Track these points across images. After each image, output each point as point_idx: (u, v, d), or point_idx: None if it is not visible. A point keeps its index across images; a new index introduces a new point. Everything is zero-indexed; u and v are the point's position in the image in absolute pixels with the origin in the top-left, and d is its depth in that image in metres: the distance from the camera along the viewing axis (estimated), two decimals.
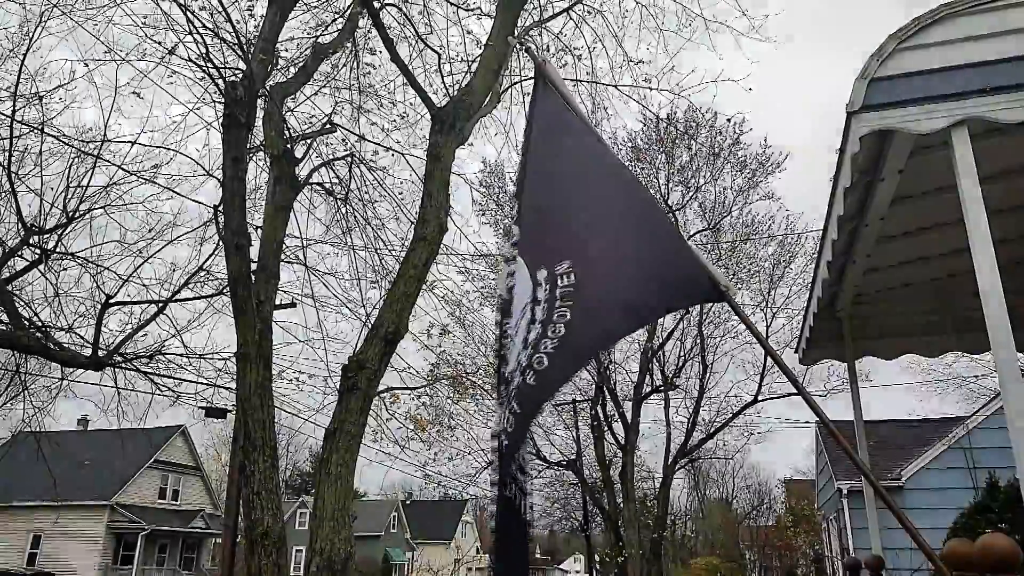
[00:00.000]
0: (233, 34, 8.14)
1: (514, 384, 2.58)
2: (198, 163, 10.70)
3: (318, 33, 10.73)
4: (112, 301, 10.51)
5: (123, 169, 10.58)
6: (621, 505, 25.87)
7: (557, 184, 2.98)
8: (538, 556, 66.13)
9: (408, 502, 57.90)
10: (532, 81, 3.34)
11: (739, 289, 22.43)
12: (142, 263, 11.51)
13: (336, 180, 10.91)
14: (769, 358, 23.12)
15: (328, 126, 10.58)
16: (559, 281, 2.63)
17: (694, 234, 23.46)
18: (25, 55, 9.76)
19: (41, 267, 10.55)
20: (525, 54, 10.69)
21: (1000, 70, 3.13)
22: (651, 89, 11.22)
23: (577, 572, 73.53)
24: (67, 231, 10.80)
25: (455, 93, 9.06)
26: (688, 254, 2.76)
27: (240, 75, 8.13)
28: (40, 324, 10.30)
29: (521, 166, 3.19)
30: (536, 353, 2.55)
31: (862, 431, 6.07)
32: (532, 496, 2.52)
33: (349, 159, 10.93)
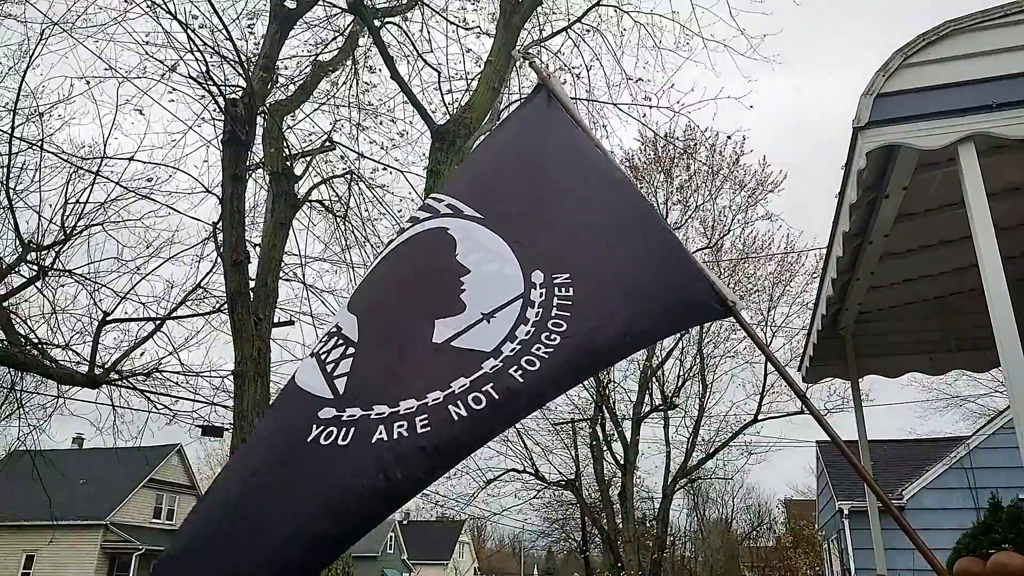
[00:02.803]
0: (233, 52, 8.15)
1: (489, 365, 2.35)
2: (197, 180, 10.70)
3: (318, 51, 10.78)
4: (109, 318, 10.45)
5: (121, 186, 10.55)
6: (620, 525, 25.67)
7: (558, 195, 2.94)
8: None
9: (405, 522, 57.49)
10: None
11: (741, 308, 22.37)
12: (140, 280, 11.44)
13: (335, 198, 10.91)
14: (771, 376, 23.15)
15: (327, 143, 10.59)
16: (556, 291, 2.55)
17: (695, 252, 23.45)
18: (25, 72, 9.78)
19: (38, 284, 10.50)
20: (524, 73, 10.75)
21: (1006, 86, 3.13)
22: (650, 107, 11.27)
23: None
24: (65, 248, 10.76)
25: (455, 111, 9.07)
26: (695, 270, 2.73)
27: (240, 93, 8.14)
28: (37, 341, 10.23)
29: (501, 148, 3.21)
30: (527, 354, 2.38)
31: (866, 450, 6.03)
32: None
33: (348, 176, 10.93)
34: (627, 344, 2.58)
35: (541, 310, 2.51)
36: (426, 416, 2.20)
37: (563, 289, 2.56)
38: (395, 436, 2.16)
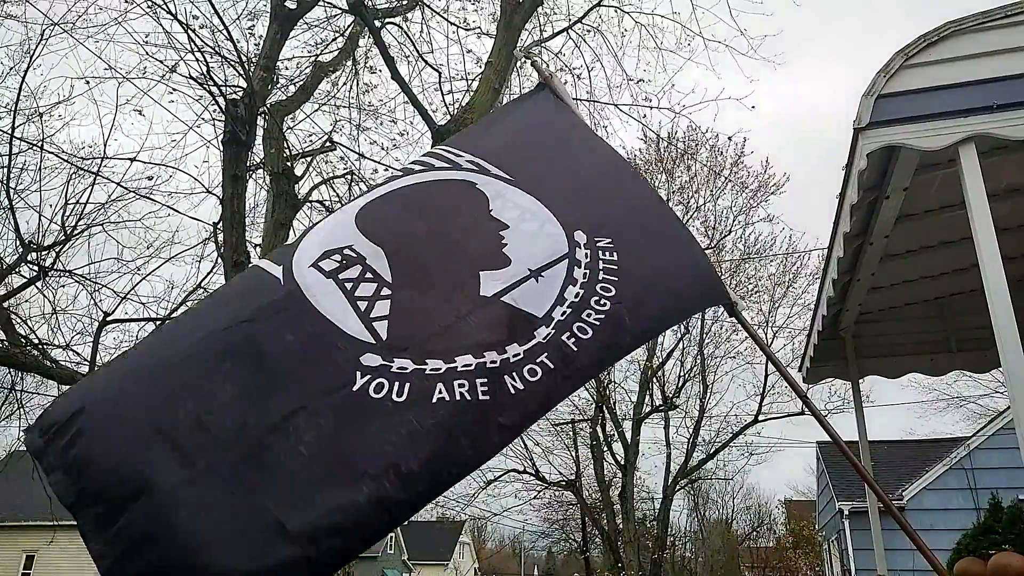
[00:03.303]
0: (234, 52, 8.15)
1: (543, 334, 2.25)
2: (198, 180, 10.71)
3: (318, 52, 10.78)
4: (110, 319, 10.44)
5: (122, 186, 10.53)
6: (620, 526, 25.67)
7: (585, 171, 2.91)
8: None
9: (406, 523, 57.40)
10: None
11: (742, 308, 22.41)
12: (140, 280, 11.43)
13: (336, 198, 10.91)
14: (771, 376, 23.15)
15: (328, 144, 10.59)
16: (600, 255, 2.48)
17: None
18: (26, 72, 9.78)
19: (39, 284, 10.50)
20: (525, 74, 10.75)
21: (1007, 87, 3.13)
22: (650, 108, 11.28)
23: None
24: (65, 248, 10.77)
25: (455, 111, 9.07)
26: (705, 261, 2.75)
27: (241, 93, 8.14)
28: (37, 341, 10.23)
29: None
30: (579, 320, 2.29)
31: (866, 450, 6.03)
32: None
33: (349, 177, 10.93)
34: (673, 316, 2.58)
35: (588, 272, 2.44)
36: (485, 380, 2.10)
37: (607, 253, 2.50)
38: (457, 398, 2.06)
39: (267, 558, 1.78)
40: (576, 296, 2.35)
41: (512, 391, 2.11)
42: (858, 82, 3.32)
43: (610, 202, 2.80)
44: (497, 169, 2.76)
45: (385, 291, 2.33)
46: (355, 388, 2.06)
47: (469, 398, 2.06)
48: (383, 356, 2.14)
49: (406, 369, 2.11)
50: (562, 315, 2.31)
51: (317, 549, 1.81)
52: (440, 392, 2.06)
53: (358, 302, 2.28)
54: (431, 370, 2.11)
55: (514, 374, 2.14)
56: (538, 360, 2.18)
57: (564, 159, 2.96)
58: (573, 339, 2.25)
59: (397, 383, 2.08)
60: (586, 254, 2.48)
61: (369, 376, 2.08)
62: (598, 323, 2.30)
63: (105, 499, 1.87)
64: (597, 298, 2.36)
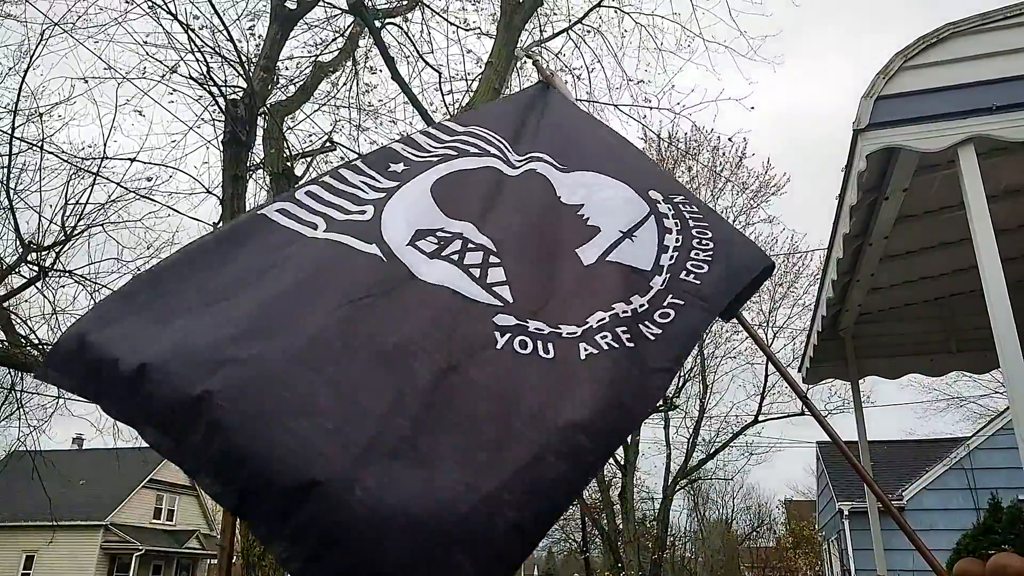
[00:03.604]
0: (234, 52, 8.15)
1: (659, 282, 2.25)
2: (198, 180, 10.72)
3: (318, 52, 10.78)
4: None
5: (122, 186, 10.54)
6: (620, 526, 25.66)
7: (619, 151, 2.95)
8: None
9: None
10: None
11: (742, 309, 22.44)
12: None
13: None
14: (771, 377, 23.16)
15: (328, 144, 10.59)
16: (682, 207, 2.50)
17: None
18: (26, 72, 9.79)
19: (39, 284, 10.50)
20: (525, 74, 10.75)
21: (1006, 88, 3.13)
22: (650, 108, 11.28)
23: None
24: (65, 248, 10.77)
25: (455, 111, 9.08)
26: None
27: (241, 93, 8.14)
28: (37, 342, 10.23)
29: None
30: (690, 259, 2.32)
31: (866, 450, 6.04)
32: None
33: None
34: (753, 266, 2.53)
35: (678, 221, 2.46)
36: (624, 328, 2.06)
37: (686, 206, 2.53)
38: (605, 348, 2.00)
39: (476, 534, 1.60)
40: (677, 241, 2.39)
41: (652, 337, 2.08)
42: (856, 81, 3.33)
43: (657, 170, 2.84)
44: (549, 157, 2.78)
45: (494, 259, 2.28)
46: (499, 347, 1.99)
47: (616, 346, 2.01)
48: (516, 316, 2.09)
49: (543, 330, 2.06)
50: (671, 259, 2.33)
51: (523, 513, 1.66)
52: (586, 349, 2.00)
53: (471, 269, 2.23)
54: (567, 333, 2.06)
55: (647, 322, 2.12)
56: (665, 304, 2.18)
57: (598, 141, 2.99)
58: (691, 275, 2.28)
59: (540, 341, 2.02)
60: (668, 208, 2.52)
61: (510, 334, 2.02)
62: (710, 257, 2.33)
63: (272, 495, 1.62)
64: (697, 239, 2.39)
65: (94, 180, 10.42)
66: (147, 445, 1.92)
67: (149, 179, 10.53)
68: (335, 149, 10.73)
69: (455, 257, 2.25)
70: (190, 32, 7.93)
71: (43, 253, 10.56)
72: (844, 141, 3.39)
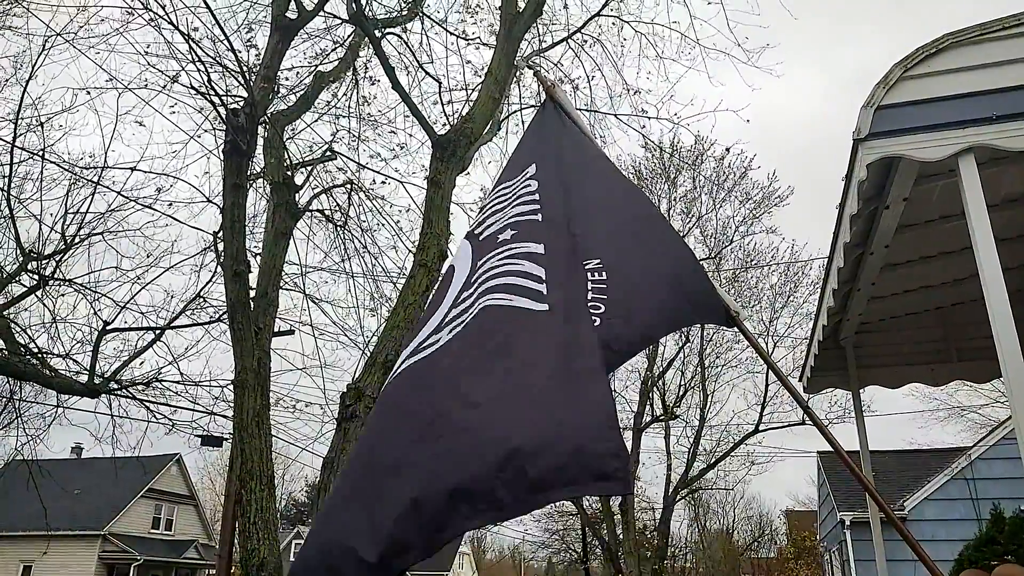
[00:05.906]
0: (235, 62, 8.17)
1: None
2: (198, 190, 10.72)
3: (319, 61, 10.81)
4: (109, 328, 10.44)
5: (122, 195, 10.57)
6: (621, 536, 25.58)
7: (575, 193, 2.95)
8: None
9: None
10: (532, 110, 3.34)
11: (744, 318, 22.47)
12: (140, 290, 11.44)
13: (336, 207, 10.92)
14: (772, 386, 23.11)
15: (328, 153, 10.61)
16: (589, 275, 2.59)
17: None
18: (27, 82, 9.81)
19: (39, 293, 10.50)
20: (525, 83, 10.78)
21: (1006, 98, 3.14)
22: (650, 118, 11.29)
23: None
24: (65, 257, 10.77)
25: (455, 121, 9.09)
26: (702, 274, 2.74)
27: (241, 103, 8.15)
28: (37, 350, 10.23)
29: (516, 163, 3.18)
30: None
31: (867, 460, 6.01)
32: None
33: (348, 186, 10.95)
34: (660, 329, 2.70)
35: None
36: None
37: (595, 273, 2.61)
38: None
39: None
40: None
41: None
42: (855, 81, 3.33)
43: (606, 219, 2.83)
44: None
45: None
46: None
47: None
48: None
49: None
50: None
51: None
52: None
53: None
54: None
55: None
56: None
57: (561, 187, 3.01)
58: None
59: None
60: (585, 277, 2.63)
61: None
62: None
63: None
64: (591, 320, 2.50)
65: (94, 189, 10.45)
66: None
67: (158, 190, 10.56)
68: (335, 158, 10.76)
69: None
70: (191, 42, 7.96)
71: (43, 262, 10.57)
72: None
